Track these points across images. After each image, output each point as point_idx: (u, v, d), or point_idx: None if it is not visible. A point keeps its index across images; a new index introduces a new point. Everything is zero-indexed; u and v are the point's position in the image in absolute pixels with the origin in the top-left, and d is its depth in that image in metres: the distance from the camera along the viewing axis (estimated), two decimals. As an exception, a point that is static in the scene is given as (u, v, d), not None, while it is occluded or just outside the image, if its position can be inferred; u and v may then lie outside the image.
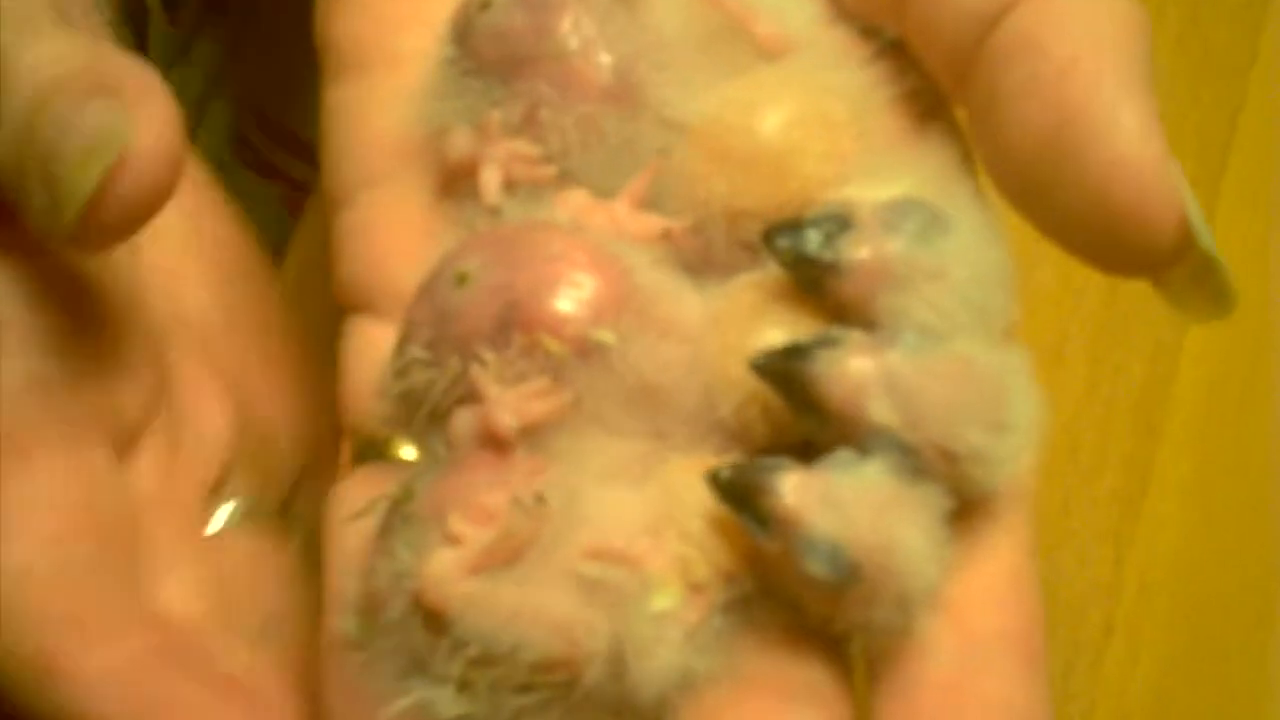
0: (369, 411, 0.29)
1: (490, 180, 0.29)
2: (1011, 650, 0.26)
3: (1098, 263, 0.26)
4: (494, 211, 0.29)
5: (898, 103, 0.29)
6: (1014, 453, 0.26)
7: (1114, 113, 0.25)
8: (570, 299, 0.26)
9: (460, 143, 0.29)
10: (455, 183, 0.30)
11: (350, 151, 0.30)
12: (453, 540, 0.25)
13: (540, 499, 0.25)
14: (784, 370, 0.25)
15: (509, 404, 0.26)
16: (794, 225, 0.26)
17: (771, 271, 0.27)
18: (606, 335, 0.26)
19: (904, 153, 0.28)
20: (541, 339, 0.26)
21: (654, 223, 0.28)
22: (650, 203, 0.29)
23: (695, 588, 0.26)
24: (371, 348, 0.29)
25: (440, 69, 0.30)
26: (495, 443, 0.26)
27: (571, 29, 0.28)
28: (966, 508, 0.26)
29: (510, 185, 0.29)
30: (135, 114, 0.26)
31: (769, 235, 0.26)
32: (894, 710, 0.25)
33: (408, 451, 0.29)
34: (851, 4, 0.29)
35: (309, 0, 0.31)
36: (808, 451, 0.26)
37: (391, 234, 0.30)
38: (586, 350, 0.26)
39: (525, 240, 0.27)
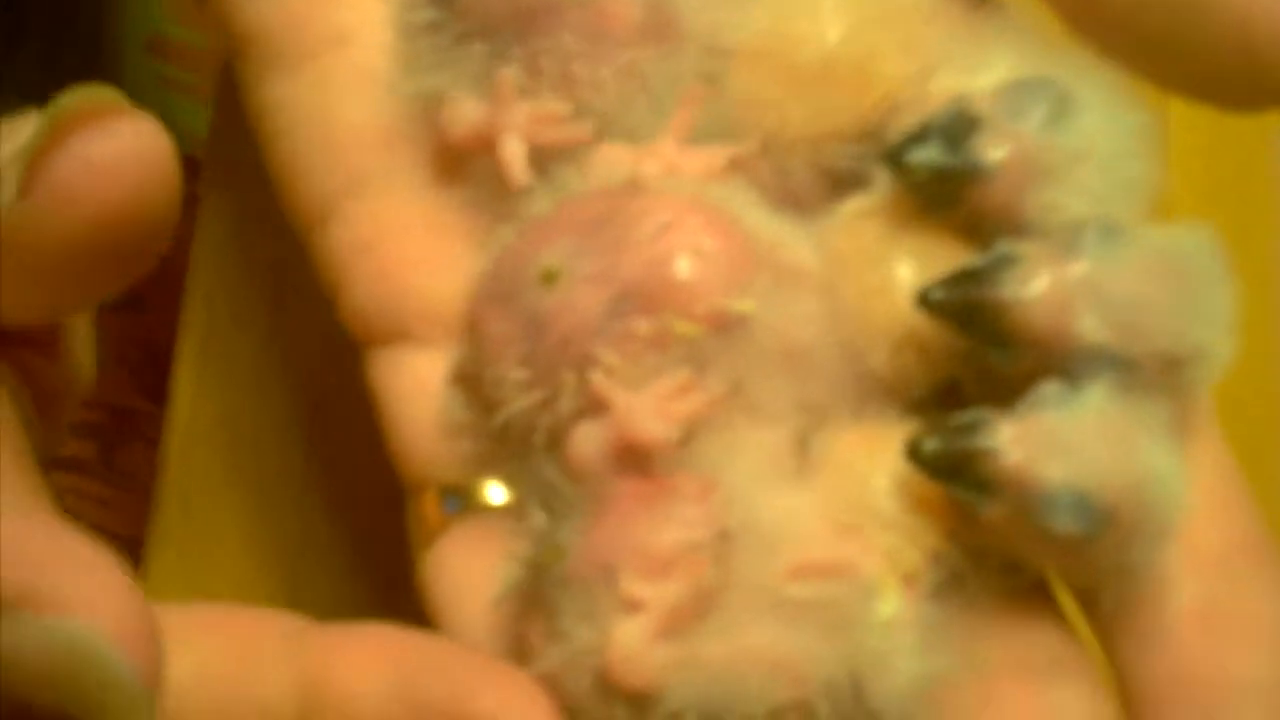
0: (441, 456, 0.24)
1: (514, 153, 0.24)
2: (1251, 561, 0.23)
3: (1230, 103, 0.23)
4: (522, 191, 0.24)
5: None
6: (1227, 341, 0.22)
7: None
8: (696, 269, 0.22)
9: (467, 114, 0.24)
10: (461, 164, 0.25)
11: (319, 156, 0.25)
12: (632, 606, 0.21)
13: (725, 535, 0.21)
14: (967, 302, 0.22)
15: (650, 409, 0.22)
16: (919, 137, 0.22)
17: (878, 193, 0.24)
18: (746, 303, 0.22)
19: (981, 31, 0.24)
20: (671, 323, 0.22)
21: (714, 154, 0.24)
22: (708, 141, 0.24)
23: (909, 579, 0.22)
24: (420, 382, 0.24)
25: (419, 37, 0.24)
26: (638, 461, 0.22)
27: None
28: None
29: (536, 154, 0.24)
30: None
31: (896, 154, 0.23)
32: (1150, 657, 0.22)
33: (495, 493, 0.24)
34: None
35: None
36: (956, 394, 0.23)
37: (403, 243, 0.25)
38: (725, 324, 0.22)
39: (615, 212, 0.23)
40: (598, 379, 0.22)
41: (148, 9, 0.40)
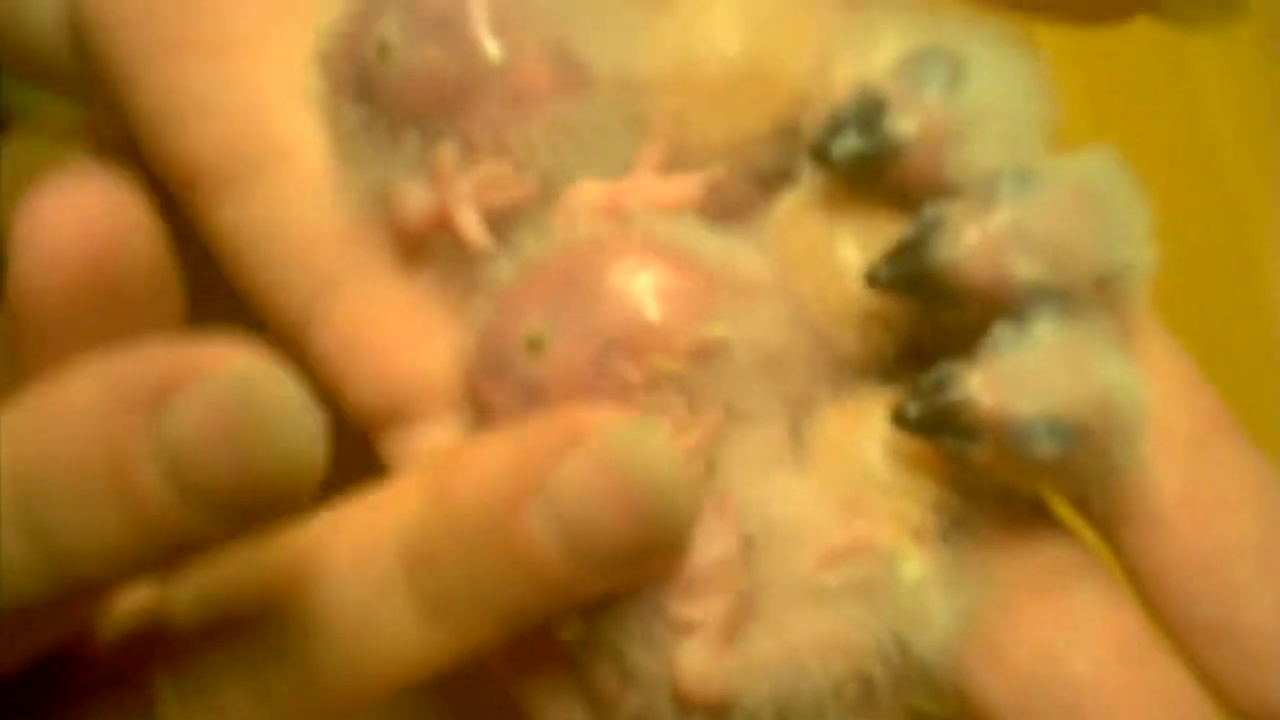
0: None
1: (469, 222, 0.25)
2: (1220, 435, 0.25)
3: (1092, 17, 0.25)
4: (486, 256, 0.26)
5: None
6: (1150, 250, 0.24)
7: None
8: (666, 309, 0.24)
9: (416, 199, 0.26)
10: (422, 245, 0.26)
11: (284, 267, 0.26)
12: (687, 629, 0.23)
13: (748, 541, 0.23)
14: (911, 273, 0.24)
15: None
16: (836, 129, 0.24)
17: (806, 185, 0.25)
18: (719, 326, 0.24)
19: (866, 12, 0.26)
20: (657, 363, 0.24)
21: (691, 181, 0.25)
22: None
23: (919, 535, 0.24)
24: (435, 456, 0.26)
25: (355, 137, 0.26)
26: None
27: (493, 33, 0.25)
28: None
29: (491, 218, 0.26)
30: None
31: (819, 150, 0.24)
32: (1149, 542, 0.24)
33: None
34: None
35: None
36: (921, 352, 0.25)
37: (387, 330, 0.26)
38: (705, 351, 0.24)
39: (579, 270, 0.24)
40: None
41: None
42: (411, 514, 0.23)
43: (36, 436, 0.20)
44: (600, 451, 0.22)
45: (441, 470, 0.23)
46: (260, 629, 0.22)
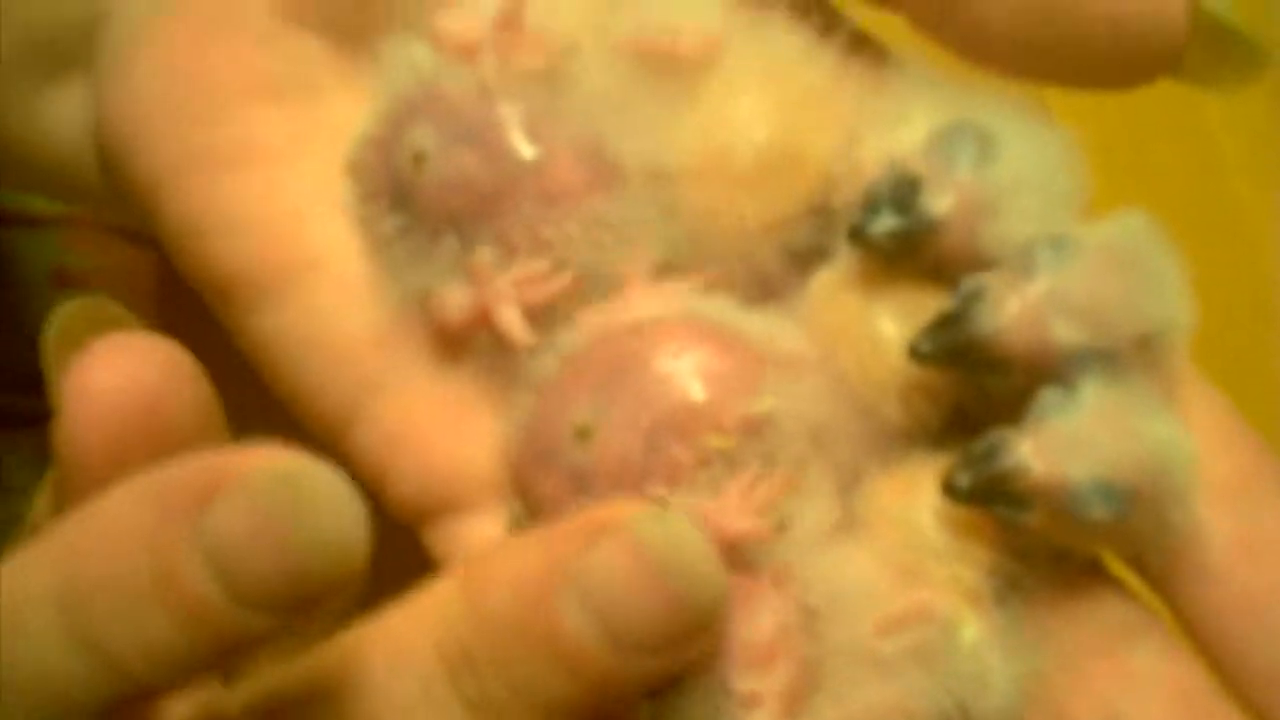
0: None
1: (510, 319, 0.26)
2: (1267, 482, 0.25)
3: (1114, 82, 0.26)
4: (528, 351, 0.26)
5: (846, 49, 0.27)
6: (1187, 305, 0.25)
7: None
8: (712, 388, 0.24)
9: (456, 300, 0.26)
10: (460, 343, 0.27)
11: (324, 372, 0.27)
12: (752, 701, 0.23)
13: (810, 611, 0.23)
14: (954, 344, 0.24)
15: (734, 507, 0.24)
16: (872, 209, 0.25)
17: (842, 262, 0.26)
18: (766, 400, 0.24)
19: (890, 88, 0.27)
20: (707, 441, 0.24)
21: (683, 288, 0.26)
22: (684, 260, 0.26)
23: (975, 599, 0.24)
24: (484, 543, 0.26)
25: (394, 244, 0.26)
26: (734, 557, 0.24)
27: (526, 136, 0.26)
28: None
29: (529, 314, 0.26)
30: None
31: (856, 231, 0.25)
32: (1205, 594, 0.25)
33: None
34: None
35: None
36: (966, 418, 0.25)
37: (428, 426, 0.27)
38: (754, 427, 0.24)
39: (623, 357, 0.25)
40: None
41: (46, 244, 0.42)
42: (448, 615, 0.23)
43: (84, 551, 0.20)
44: (627, 539, 0.22)
45: (474, 570, 0.23)
46: None
